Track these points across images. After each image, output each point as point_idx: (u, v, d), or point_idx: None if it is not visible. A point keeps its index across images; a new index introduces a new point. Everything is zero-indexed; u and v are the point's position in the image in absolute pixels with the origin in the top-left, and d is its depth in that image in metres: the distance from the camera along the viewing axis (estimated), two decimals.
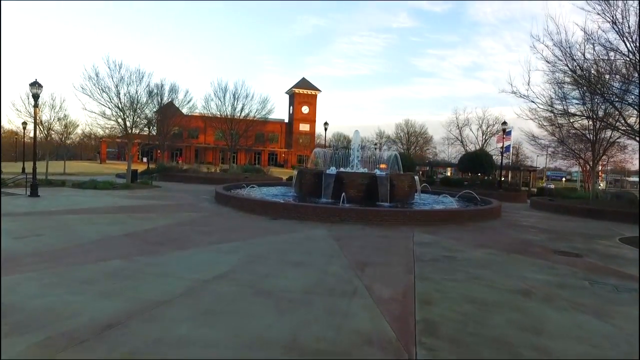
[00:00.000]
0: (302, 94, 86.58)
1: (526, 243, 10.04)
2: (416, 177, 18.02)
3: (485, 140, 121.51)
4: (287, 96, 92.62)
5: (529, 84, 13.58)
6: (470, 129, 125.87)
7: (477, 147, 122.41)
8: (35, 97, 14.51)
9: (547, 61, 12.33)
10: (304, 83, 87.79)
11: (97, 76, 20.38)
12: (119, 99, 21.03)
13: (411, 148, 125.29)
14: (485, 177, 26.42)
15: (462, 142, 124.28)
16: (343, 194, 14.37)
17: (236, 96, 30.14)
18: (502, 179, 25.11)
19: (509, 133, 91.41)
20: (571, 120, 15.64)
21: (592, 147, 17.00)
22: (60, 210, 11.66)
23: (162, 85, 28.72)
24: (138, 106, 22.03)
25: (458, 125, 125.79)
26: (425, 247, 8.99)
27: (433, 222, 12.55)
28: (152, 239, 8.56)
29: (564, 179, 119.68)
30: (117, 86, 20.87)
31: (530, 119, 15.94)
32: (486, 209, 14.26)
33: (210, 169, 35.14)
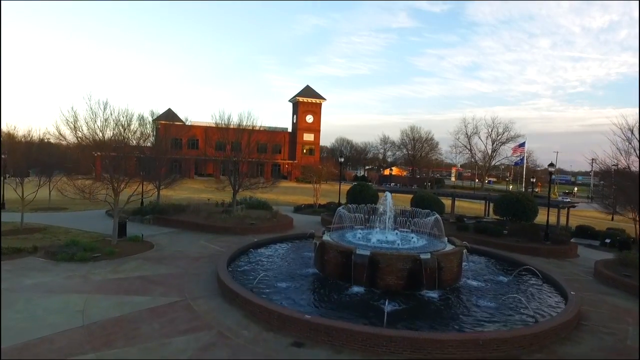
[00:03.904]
0: (306, 103, 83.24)
1: None
2: (465, 251, 14.72)
3: (495, 150, 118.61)
4: (287, 98, 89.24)
5: None
6: (479, 137, 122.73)
7: (487, 156, 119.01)
8: None
9: None
10: (308, 91, 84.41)
11: (75, 122, 17.04)
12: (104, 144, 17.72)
13: (417, 155, 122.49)
14: (525, 222, 23.07)
15: (470, 150, 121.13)
16: (386, 307, 10.97)
17: (240, 127, 26.83)
18: (547, 230, 21.71)
19: (523, 144, 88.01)
20: None
21: None
22: None
23: (156, 117, 25.38)
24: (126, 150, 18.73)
25: (467, 133, 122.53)
26: None
27: (514, 351, 9.31)
28: None
29: (575, 189, 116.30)
30: (102, 130, 17.56)
31: None
32: (571, 318, 10.94)
33: (210, 200, 31.90)
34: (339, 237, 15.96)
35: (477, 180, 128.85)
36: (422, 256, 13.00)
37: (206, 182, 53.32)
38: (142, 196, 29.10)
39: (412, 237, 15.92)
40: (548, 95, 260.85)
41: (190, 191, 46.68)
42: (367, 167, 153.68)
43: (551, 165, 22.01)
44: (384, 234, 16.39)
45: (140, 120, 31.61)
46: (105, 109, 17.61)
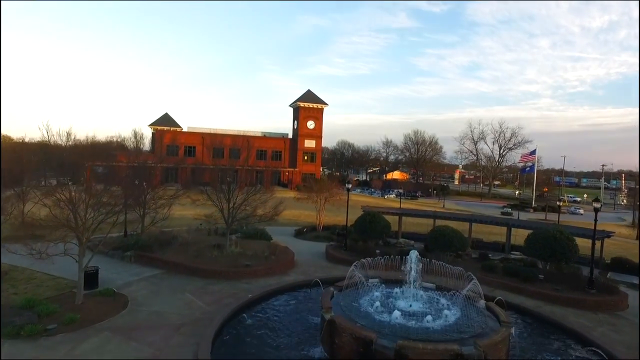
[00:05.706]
0: (308, 108, 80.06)
1: None
2: (512, 330, 11.69)
3: (502, 156, 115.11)
4: (287, 98, 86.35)
5: None
6: (486, 142, 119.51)
7: (494, 161, 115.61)
8: None
9: None
10: (309, 96, 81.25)
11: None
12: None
13: (421, 160, 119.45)
14: (563, 263, 20.00)
15: (477, 155, 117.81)
16: None
17: (237, 151, 23.91)
18: (592, 274, 18.60)
19: (534, 152, 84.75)
20: None
21: None
22: None
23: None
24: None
25: (473, 139, 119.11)
26: None
27: None
28: None
29: (585, 195, 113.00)
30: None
31: None
32: None
33: (202, 226, 28.99)
34: (351, 304, 12.91)
35: (482, 185, 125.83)
36: (465, 351, 9.93)
37: (201, 197, 50.07)
38: (125, 226, 26.13)
39: (442, 304, 12.86)
40: (548, 95, 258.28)
41: (183, 207, 43.58)
42: (369, 171, 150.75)
43: (596, 200, 18.84)
44: (407, 299, 13.33)
45: (122, 142, 28.59)
46: (67, 140, 14.52)
